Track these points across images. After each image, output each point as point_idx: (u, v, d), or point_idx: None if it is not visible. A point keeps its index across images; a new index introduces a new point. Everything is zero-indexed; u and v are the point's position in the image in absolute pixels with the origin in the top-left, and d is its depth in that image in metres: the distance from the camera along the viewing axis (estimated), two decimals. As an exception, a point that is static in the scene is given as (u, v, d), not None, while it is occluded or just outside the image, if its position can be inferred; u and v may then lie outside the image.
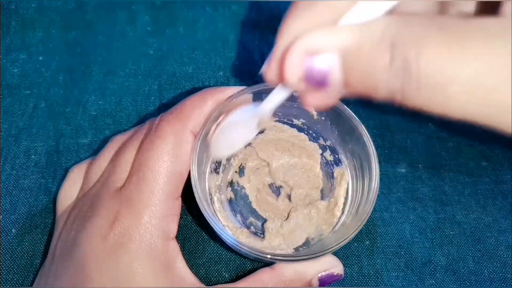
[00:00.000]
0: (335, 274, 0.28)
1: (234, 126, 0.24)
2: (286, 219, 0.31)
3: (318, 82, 0.16)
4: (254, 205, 0.32)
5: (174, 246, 0.26)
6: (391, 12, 0.16)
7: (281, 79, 0.17)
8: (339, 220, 0.30)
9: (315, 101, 0.18)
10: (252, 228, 0.32)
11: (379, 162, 0.27)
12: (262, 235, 0.31)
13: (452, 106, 0.14)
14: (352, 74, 0.16)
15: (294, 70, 0.16)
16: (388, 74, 0.15)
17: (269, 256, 0.25)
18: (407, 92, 0.15)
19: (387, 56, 0.15)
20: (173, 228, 0.26)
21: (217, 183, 0.32)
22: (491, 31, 0.14)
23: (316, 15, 0.16)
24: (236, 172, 0.33)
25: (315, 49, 0.16)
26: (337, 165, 0.32)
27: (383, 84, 0.15)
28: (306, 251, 0.29)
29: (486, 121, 0.14)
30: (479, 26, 0.14)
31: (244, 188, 0.33)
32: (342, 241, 0.25)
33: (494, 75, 0.13)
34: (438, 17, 0.15)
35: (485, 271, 0.32)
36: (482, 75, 0.13)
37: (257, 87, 0.29)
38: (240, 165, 0.33)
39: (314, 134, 0.33)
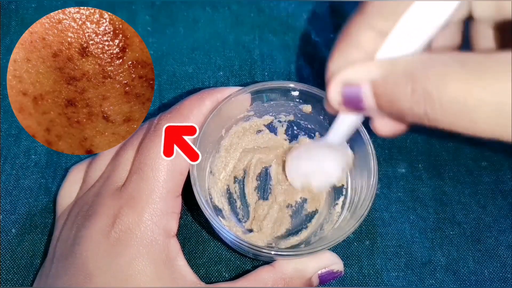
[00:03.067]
0: (335, 271, 0.28)
1: (318, 163, 0.28)
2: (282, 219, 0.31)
3: (354, 105, 0.20)
4: (253, 205, 0.32)
5: (175, 244, 0.26)
6: (423, 50, 0.18)
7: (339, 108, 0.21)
8: (339, 218, 0.30)
9: (384, 129, 0.23)
10: (252, 228, 0.32)
11: (379, 162, 0.27)
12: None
13: (479, 128, 0.16)
14: (381, 101, 0.19)
15: (334, 96, 0.20)
16: (411, 103, 0.17)
17: (267, 251, 0.25)
18: (433, 118, 0.17)
19: (409, 88, 0.17)
20: (174, 226, 0.26)
21: (216, 182, 0.32)
22: (505, 62, 0.15)
23: (351, 57, 0.20)
24: (236, 171, 0.33)
25: (350, 80, 0.19)
26: None
27: (408, 111, 0.18)
28: (306, 247, 0.29)
29: None
30: (497, 59, 0.16)
31: (244, 188, 0.33)
32: (341, 236, 0.26)
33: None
34: (459, 54, 0.17)
35: (485, 271, 0.32)
36: (502, 101, 0.15)
37: (255, 87, 0.29)
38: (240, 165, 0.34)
39: (312, 134, 0.33)
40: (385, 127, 0.23)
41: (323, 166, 0.28)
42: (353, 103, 0.20)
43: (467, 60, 0.16)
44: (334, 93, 0.20)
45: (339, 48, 0.20)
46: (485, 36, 0.21)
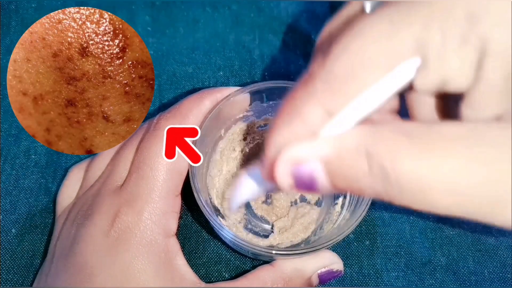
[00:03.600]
0: (334, 270, 0.28)
1: (243, 183, 0.25)
2: (288, 218, 0.31)
3: (307, 186, 0.18)
4: (252, 204, 0.32)
5: (174, 243, 0.26)
6: (364, 121, 0.17)
7: (273, 180, 0.19)
8: (338, 217, 0.30)
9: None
10: (251, 227, 0.32)
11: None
12: (262, 235, 0.31)
13: (436, 207, 0.15)
14: (337, 180, 0.17)
15: (284, 179, 0.18)
16: (370, 181, 0.16)
17: (266, 250, 0.25)
18: (391, 196, 0.16)
19: (365, 165, 0.16)
20: (173, 225, 0.26)
21: (215, 182, 0.32)
22: (451, 138, 0.15)
23: (294, 130, 0.18)
24: (236, 171, 0.33)
25: (299, 159, 0.18)
26: None
27: (367, 188, 0.16)
28: (305, 247, 0.29)
29: (474, 218, 0.15)
30: (440, 133, 0.15)
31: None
32: (340, 236, 0.26)
33: (462, 178, 0.14)
34: (403, 125, 0.16)
35: (485, 271, 0.32)
36: (456, 178, 0.14)
37: (254, 87, 0.29)
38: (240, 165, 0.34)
39: None
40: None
41: (232, 195, 0.27)
42: (306, 184, 0.18)
43: (411, 132, 0.15)
44: (283, 175, 0.18)
45: (283, 120, 0.18)
46: (424, 104, 0.20)
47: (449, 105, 0.19)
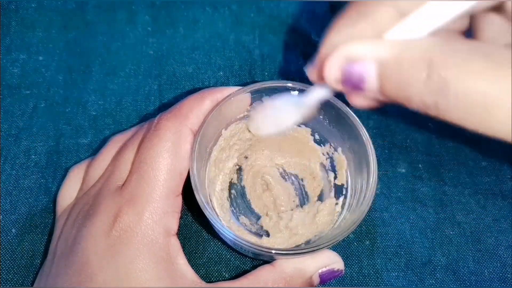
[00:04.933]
0: (335, 269, 0.28)
1: (277, 109, 0.25)
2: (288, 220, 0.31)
3: (354, 85, 0.18)
4: (253, 205, 0.32)
5: (175, 243, 0.26)
6: (435, 33, 0.17)
7: (321, 79, 0.19)
8: (338, 217, 0.30)
9: (358, 102, 0.20)
10: (252, 227, 0.32)
11: (379, 162, 0.27)
12: (262, 235, 0.31)
13: (493, 128, 0.15)
14: (387, 84, 0.17)
15: (333, 72, 0.18)
16: (423, 90, 0.16)
17: (267, 250, 0.25)
18: (442, 108, 0.16)
19: (424, 74, 0.15)
20: (174, 225, 0.26)
21: (217, 182, 0.32)
22: None
23: (359, 30, 0.17)
24: (236, 171, 0.33)
25: (355, 56, 0.17)
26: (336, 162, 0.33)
27: (417, 98, 0.16)
28: (306, 246, 0.29)
29: None
30: None
31: (244, 188, 0.33)
32: (340, 235, 0.26)
33: None
34: (482, 44, 0.16)
35: (485, 271, 0.32)
36: None
37: (254, 86, 0.29)
38: (239, 166, 0.34)
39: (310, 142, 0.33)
40: (363, 102, 0.20)
41: (278, 113, 0.26)
42: (353, 83, 0.17)
43: (492, 54, 0.15)
44: (333, 69, 0.18)
45: (348, 16, 0.18)
46: (491, 24, 0.19)
47: None
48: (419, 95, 0.16)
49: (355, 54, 0.17)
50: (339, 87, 0.18)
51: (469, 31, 0.21)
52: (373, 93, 0.18)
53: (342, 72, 0.17)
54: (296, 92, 0.23)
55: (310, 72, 0.20)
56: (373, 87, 0.17)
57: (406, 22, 0.17)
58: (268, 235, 0.31)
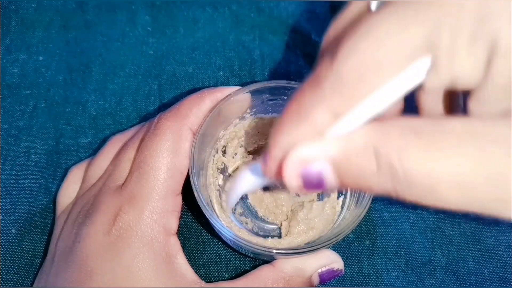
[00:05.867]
0: (335, 269, 0.28)
1: (240, 181, 0.25)
2: (290, 220, 0.31)
3: (316, 186, 0.18)
4: (253, 205, 0.32)
5: (175, 242, 0.26)
6: (372, 120, 0.17)
7: (277, 177, 0.19)
8: (338, 217, 0.30)
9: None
10: (252, 227, 0.32)
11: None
12: (262, 235, 0.31)
13: (444, 202, 0.16)
14: (345, 179, 0.18)
15: (293, 180, 0.18)
16: (378, 179, 0.16)
17: (267, 250, 0.25)
18: (400, 192, 0.16)
19: (374, 164, 0.16)
20: (174, 224, 0.26)
21: (217, 182, 0.32)
22: (458, 134, 0.15)
23: (301, 131, 0.18)
24: (235, 171, 0.33)
25: (307, 159, 0.18)
26: None
27: (376, 186, 0.17)
28: (306, 246, 0.29)
29: (480, 212, 0.15)
30: (447, 130, 0.15)
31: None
32: (340, 235, 0.26)
33: (469, 174, 0.15)
34: (411, 121, 0.16)
35: (485, 271, 0.32)
36: (462, 175, 0.15)
37: (254, 86, 0.29)
38: (238, 166, 0.34)
39: None
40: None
41: (231, 187, 0.27)
42: (314, 184, 0.18)
43: (419, 128, 0.16)
44: (292, 176, 0.18)
45: (290, 121, 0.18)
46: (431, 100, 0.20)
47: (456, 99, 0.19)
48: (377, 184, 0.17)
49: (306, 156, 0.18)
50: (303, 191, 0.19)
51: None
52: (334, 188, 0.18)
53: (301, 178, 0.18)
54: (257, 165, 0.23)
55: (265, 171, 0.20)
56: (333, 184, 0.18)
57: (343, 121, 0.17)
58: (267, 236, 0.31)
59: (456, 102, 0.19)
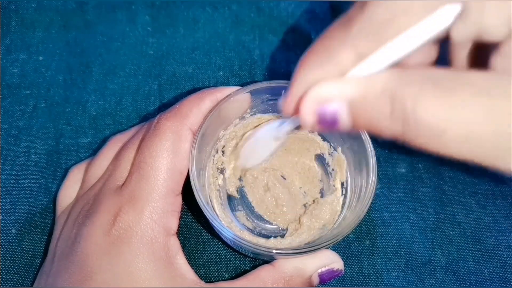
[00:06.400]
0: (335, 269, 0.28)
1: (258, 141, 0.27)
2: (297, 222, 0.31)
3: (329, 125, 0.19)
4: (254, 205, 0.32)
5: (175, 242, 0.26)
6: (395, 65, 0.18)
7: (295, 113, 0.20)
8: (338, 217, 0.30)
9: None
10: (252, 228, 0.32)
11: (379, 162, 0.27)
12: (262, 234, 0.31)
13: (449, 149, 0.16)
14: (358, 119, 0.18)
15: (309, 116, 0.19)
16: (390, 122, 0.17)
17: (267, 250, 0.25)
18: (408, 136, 0.17)
19: (388, 108, 0.17)
20: (174, 224, 0.26)
21: (217, 182, 0.32)
22: (476, 86, 0.16)
23: (325, 70, 0.19)
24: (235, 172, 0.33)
25: (325, 97, 0.19)
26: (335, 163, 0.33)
27: (386, 129, 0.18)
28: (306, 246, 0.29)
29: (481, 162, 0.16)
30: (466, 82, 0.16)
31: (244, 187, 0.33)
32: (340, 235, 0.26)
33: (478, 126, 0.15)
34: (432, 71, 0.17)
35: (485, 271, 0.32)
36: (471, 124, 0.15)
37: (254, 86, 0.29)
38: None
39: (310, 133, 0.33)
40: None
41: (255, 147, 0.28)
42: (328, 123, 0.19)
43: (439, 79, 0.16)
44: (308, 114, 0.19)
45: (314, 60, 0.19)
46: (461, 54, 0.20)
47: (483, 55, 0.20)
48: (388, 127, 0.17)
49: (325, 95, 0.19)
50: (316, 128, 0.20)
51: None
52: (347, 128, 0.19)
53: (317, 115, 0.19)
54: (276, 123, 0.25)
55: (284, 107, 0.21)
56: (346, 125, 0.19)
57: (366, 61, 0.18)
58: (267, 236, 0.31)
59: (483, 58, 0.20)
